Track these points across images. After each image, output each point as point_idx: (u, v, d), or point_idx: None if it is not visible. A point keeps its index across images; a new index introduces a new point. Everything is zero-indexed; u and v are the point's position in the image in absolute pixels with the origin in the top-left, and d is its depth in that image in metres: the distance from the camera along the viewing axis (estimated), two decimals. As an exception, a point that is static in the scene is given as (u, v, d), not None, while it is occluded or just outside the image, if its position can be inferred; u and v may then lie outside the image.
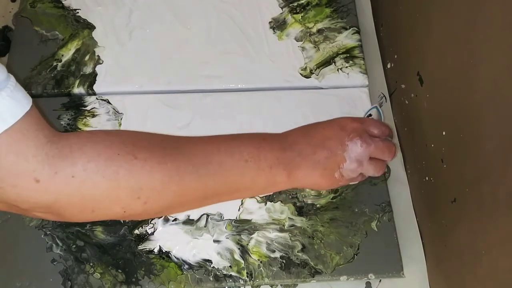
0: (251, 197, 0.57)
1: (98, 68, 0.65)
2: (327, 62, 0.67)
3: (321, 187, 0.49)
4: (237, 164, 0.43)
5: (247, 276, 0.54)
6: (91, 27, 0.68)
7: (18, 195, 0.36)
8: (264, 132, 0.48)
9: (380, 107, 0.57)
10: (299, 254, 0.55)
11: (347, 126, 0.48)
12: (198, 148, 0.43)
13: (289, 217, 0.57)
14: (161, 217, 0.56)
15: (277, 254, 0.55)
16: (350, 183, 0.49)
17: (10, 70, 0.65)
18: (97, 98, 0.63)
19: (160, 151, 0.41)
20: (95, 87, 0.64)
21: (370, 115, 0.58)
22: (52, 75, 0.64)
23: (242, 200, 0.58)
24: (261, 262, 0.55)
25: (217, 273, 0.54)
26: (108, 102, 0.63)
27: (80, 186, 0.37)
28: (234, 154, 0.44)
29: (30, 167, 0.36)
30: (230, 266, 0.54)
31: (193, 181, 0.41)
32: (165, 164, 0.40)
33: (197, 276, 0.54)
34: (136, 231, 0.56)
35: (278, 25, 0.69)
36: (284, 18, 0.70)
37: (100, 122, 0.62)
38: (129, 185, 0.39)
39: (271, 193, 0.58)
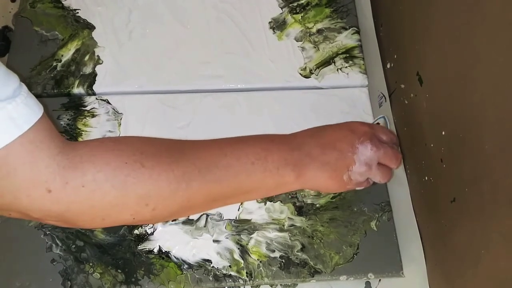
0: (262, 199, 0.57)
1: (97, 68, 0.65)
2: (327, 62, 0.67)
3: (329, 190, 0.48)
4: (243, 166, 0.43)
5: (247, 276, 0.54)
6: (91, 27, 0.68)
7: (31, 204, 0.37)
8: (271, 134, 0.48)
9: (387, 118, 0.57)
10: (299, 253, 0.55)
11: (357, 129, 0.48)
12: (204, 153, 0.43)
13: (288, 217, 0.57)
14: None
15: (277, 254, 0.55)
16: (356, 188, 0.49)
17: (10, 70, 0.65)
18: (96, 98, 0.63)
19: (167, 158, 0.41)
20: (95, 87, 0.64)
21: (378, 123, 0.58)
22: (52, 75, 0.64)
23: (242, 200, 0.58)
24: (260, 262, 0.55)
25: (217, 273, 0.54)
26: (108, 102, 0.63)
27: (90, 195, 0.38)
28: (240, 157, 0.44)
29: (42, 177, 0.37)
30: (229, 266, 0.54)
31: (199, 186, 0.42)
32: (171, 171, 0.41)
33: (197, 276, 0.54)
34: (136, 231, 0.56)
35: (278, 25, 0.69)
36: (284, 18, 0.70)
37: (99, 122, 0.62)
38: (137, 193, 0.40)
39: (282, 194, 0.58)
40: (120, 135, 0.61)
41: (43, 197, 0.37)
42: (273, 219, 0.57)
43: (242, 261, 0.55)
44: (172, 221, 0.56)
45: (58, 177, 0.37)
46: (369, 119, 0.63)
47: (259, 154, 0.44)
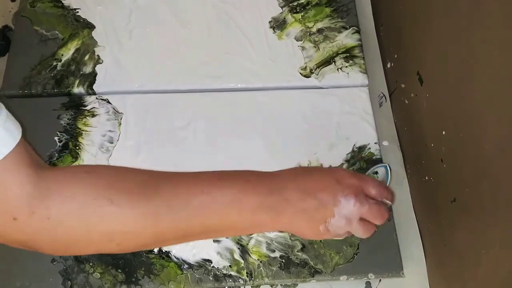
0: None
1: (98, 68, 0.65)
2: (327, 61, 0.67)
3: (305, 236, 0.46)
4: (218, 207, 0.43)
5: (247, 276, 0.54)
6: (91, 27, 0.68)
7: None
8: (252, 170, 0.46)
9: (389, 167, 0.53)
10: (299, 253, 0.55)
11: (344, 180, 0.45)
12: (180, 189, 0.43)
13: (289, 217, 0.57)
14: None
15: (277, 254, 0.55)
16: (335, 238, 0.47)
17: (10, 70, 0.65)
18: (97, 98, 0.63)
19: (138, 193, 0.41)
20: (95, 87, 0.64)
21: (377, 172, 0.55)
22: (52, 74, 0.64)
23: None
24: (261, 261, 0.55)
25: (217, 272, 0.54)
26: (108, 102, 0.63)
27: (54, 228, 0.38)
28: (216, 197, 0.43)
29: (9, 205, 0.37)
30: (230, 265, 0.54)
31: (170, 224, 0.41)
32: (140, 208, 0.40)
33: (197, 276, 0.54)
34: (136, 231, 0.56)
35: (278, 24, 0.69)
36: (284, 18, 0.70)
37: (100, 121, 0.62)
38: (101, 229, 0.40)
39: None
40: (120, 135, 0.61)
41: (8, 224, 0.37)
42: (273, 219, 0.57)
43: (242, 261, 0.55)
44: (172, 221, 0.56)
45: (25, 206, 0.37)
46: (370, 119, 0.63)
47: (235, 195, 0.43)
